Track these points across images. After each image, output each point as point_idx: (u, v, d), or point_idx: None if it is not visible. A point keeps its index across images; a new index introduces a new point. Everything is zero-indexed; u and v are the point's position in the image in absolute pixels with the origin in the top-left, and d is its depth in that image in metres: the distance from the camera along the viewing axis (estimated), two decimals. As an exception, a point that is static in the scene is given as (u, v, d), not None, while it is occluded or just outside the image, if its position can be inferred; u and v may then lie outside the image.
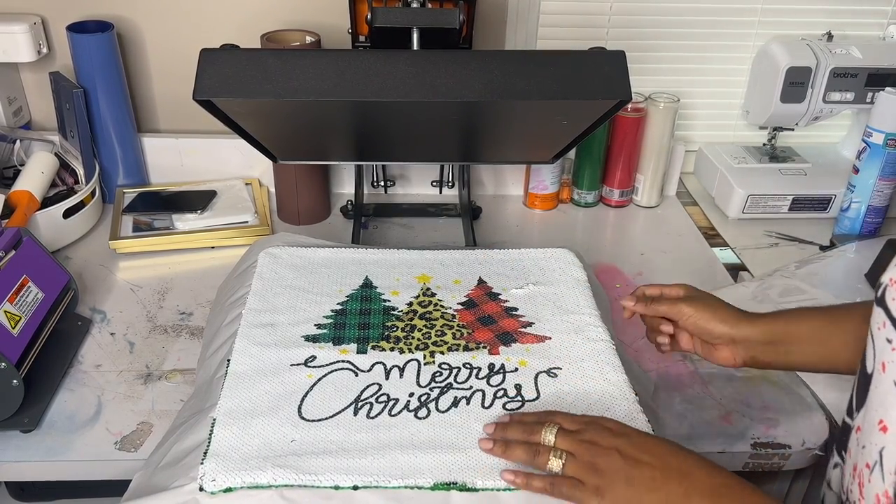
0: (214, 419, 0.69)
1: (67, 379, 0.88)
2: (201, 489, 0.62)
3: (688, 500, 0.58)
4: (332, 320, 0.82)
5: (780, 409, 0.87)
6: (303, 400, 0.72)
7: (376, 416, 0.70)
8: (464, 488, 0.63)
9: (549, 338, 0.81)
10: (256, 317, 0.82)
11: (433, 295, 0.87)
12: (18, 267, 0.85)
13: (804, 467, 0.85)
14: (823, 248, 1.20)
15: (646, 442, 0.63)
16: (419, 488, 0.63)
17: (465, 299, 0.87)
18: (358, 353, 0.78)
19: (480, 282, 0.90)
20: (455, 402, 0.72)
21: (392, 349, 0.79)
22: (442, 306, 0.85)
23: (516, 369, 0.76)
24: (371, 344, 0.79)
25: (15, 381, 0.78)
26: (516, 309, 0.85)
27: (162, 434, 0.77)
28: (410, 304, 0.86)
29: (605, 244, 1.23)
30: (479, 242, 1.17)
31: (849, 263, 1.10)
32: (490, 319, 0.84)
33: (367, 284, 0.89)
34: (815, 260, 1.12)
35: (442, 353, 0.78)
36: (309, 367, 0.76)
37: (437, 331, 0.81)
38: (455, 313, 0.84)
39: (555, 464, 0.62)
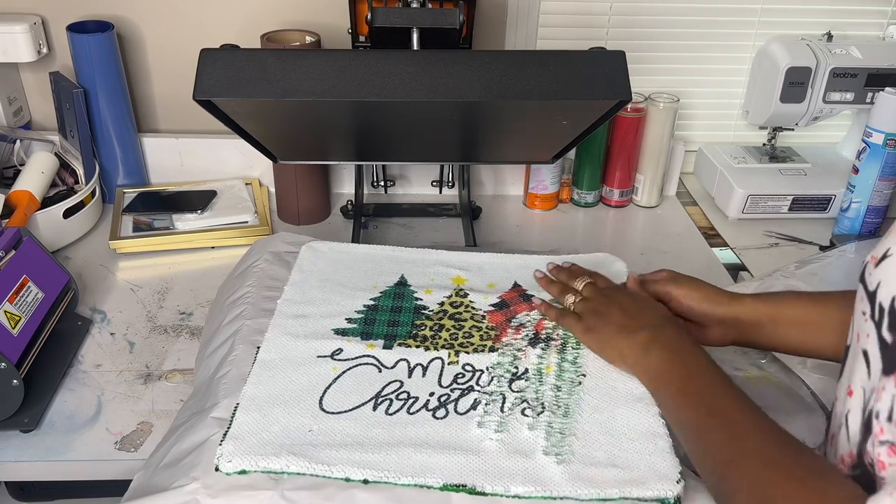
0: (238, 403, 0.70)
1: (67, 379, 0.88)
2: (217, 469, 0.64)
3: (646, 345, 0.70)
4: (363, 315, 0.83)
5: (780, 409, 0.87)
6: (325, 392, 0.72)
7: (395, 412, 0.71)
8: (472, 491, 0.63)
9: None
10: (290, 307, 0.83)
11: (465, 296, 0.86)
12: (18, 267, 0.85)
13: (804, 467, 0.85)
14: (823, 249, 1.20)
15: (650, 308, 0.75)
16: (428, 487, 0.63)
17: (497, 300, 0.86)
18: (384, 348, 0.78)
19: (515, 285, 0.89)
20: (474, 405, 0.71)
21: (418, 346, 0.78)
22: (473, 308, 0.84)
23: (540, 374, 0.75)
24: (398, 341, 0.79)
25: (15, 381, 0.78)
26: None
27: (162, 434, 0.77)
28: (442, 303, 0.85)
29: (605, 244, 1.23)
30: (479, 242, 1.17)
31: (849, 264, 1.10)
32: (520, 321, 0.82)
33: (402, 283, 0.88)
34: (815, 260, 1.12)
35: (467, 353, 0.78)
36: (335, 359, 0.76)
37: (464, 332, 0.81)
38: (485, 314, 0.83)
39: (569, 300, 0.79)
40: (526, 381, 0.74)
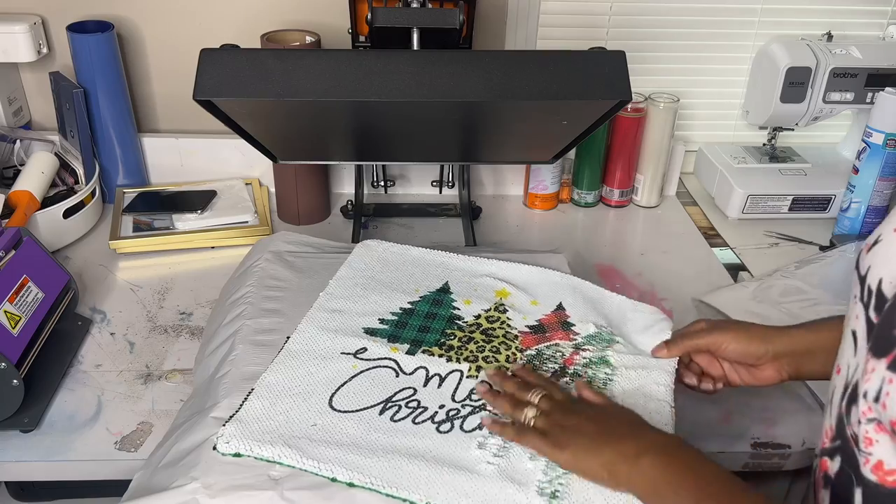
0: (252, 389, 0.72)
1: (67, 379, 0.88)
2: (214, 448, 0.65)
3: (637, 456, 0.61)
4: (396, 317, 0.83)
5: (780, 409, 0.87)
6: (338, 389, 0.73)
7: (400, 420, 0.70)
8: None
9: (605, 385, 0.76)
10: (329, 301, 0.84)
11: (504, 311, 0.85)
12: (18, 267, 0.85)
13: (804, 467, 0.85)
14: (823, 248, 1.20)
15: (613, 409, 0.69)
16: (411, 503, 0.62)
17: (535, 323, 0.84)
18: (407, 353, 0.78)
19: (559, 307, 0.86)
20: (481, 425, 0.70)
21: (441, 356, 0.78)
22: (508, 325, 0.83)
23: None
24: (423, 347, 0.79)
25: (15, 381, 0.78)
26: (583, 346, 0.81)
27: (162, 434, 0.77)
28: (478, 316, 0.84)
29: (605, 244, 1.23)
30: (479, 242, 1.17)
31: (849, 263, 1.10)
32: (552, 350, 0.79)
33: (445, 289, 0.88)
34: (815, 260, 1.12)
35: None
36: (357, 357, 0.77)
37: (492, 347, 0.79)
38: (519, 335, 0.81)
39: (528, 414, 0.68)
40: None
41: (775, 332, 0.76)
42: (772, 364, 0.76)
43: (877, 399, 0.51)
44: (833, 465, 0.58)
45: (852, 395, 0.55)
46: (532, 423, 0.67)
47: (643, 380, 0.76)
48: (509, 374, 0.75)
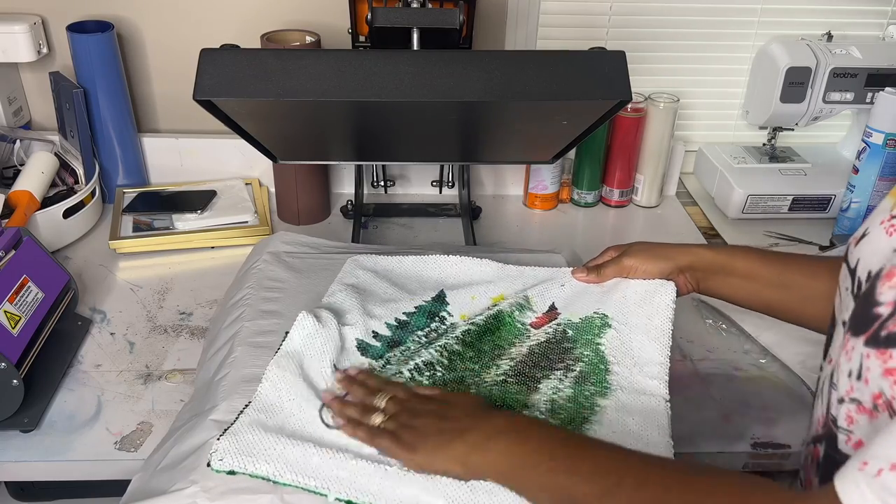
0: (249, 402, 0.70)
1: (67, 379, 0.88)
2: (208, 465, 0.64)
3: (487, 441, 0.62)
4: (390, 332, 0.81)
5: (780, 409, 0.87)
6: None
7: None
8: None
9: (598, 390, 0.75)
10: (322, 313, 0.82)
11: (498, 328, 0.82)
12: (18, 267, 0.85)
13: (804, 467, 0.85)
14: (823, 248, 1.20)
15: (460, 401, 0.69)
16: None
17: (527, 325, 0.83)
18: (397, 373, 0.75)
19: (552, 308, 0.85)
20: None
21: (431, 376, 0.75)
22: (500, 337, 0.81)
23: (552, 403, 0.72)
24: (416, 361, 0.76)
25: (15, 381, 0.78)
26: (574, 342, 0.80)
27: (162, 434, 0.77)
28: (473, 322, 0.82)
29: (605, 244, 1.22)
30: (479, 242, 1.17)
31: (849, 263, 1.10)
32: (541, 352, 0.79)
33: (440, 298, 0.86)
34: (814, 260, 1.12)
35: (480, 388, 0.75)
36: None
37: (483, 364, 0.78)
38: (514, 340, 0.81)
39: (376, 420, 0.68)
40: (538, 413, 0.71)
41: (678, 249, 0.84)
42: (679, 277, 0.83)
43: (859, 376, 0.53)
44: (822, 451, 0.60)
45: (832, 380, 0.57)
46: (381, 427, 0.67)
47: (636, 374, 0.77)
48: (356, 377, 0.74)
